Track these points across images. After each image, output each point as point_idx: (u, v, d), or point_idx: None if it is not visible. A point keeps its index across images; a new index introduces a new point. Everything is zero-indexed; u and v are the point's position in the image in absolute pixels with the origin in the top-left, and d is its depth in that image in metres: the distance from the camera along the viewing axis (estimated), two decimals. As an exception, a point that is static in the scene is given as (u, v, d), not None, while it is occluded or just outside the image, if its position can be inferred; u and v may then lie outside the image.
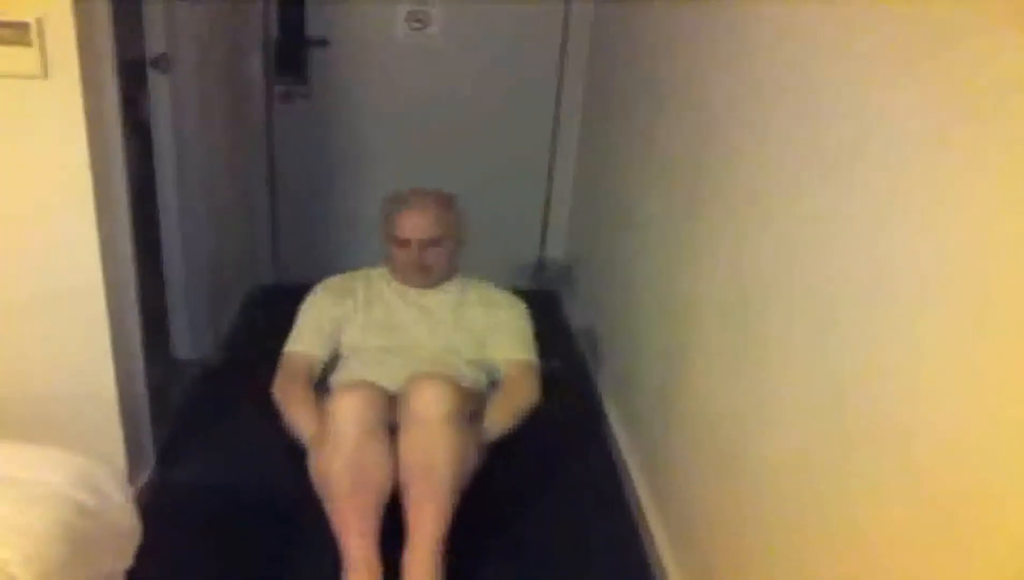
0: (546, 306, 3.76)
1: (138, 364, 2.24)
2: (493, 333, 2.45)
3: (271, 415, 2.36)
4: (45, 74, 1.75)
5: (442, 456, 1.99)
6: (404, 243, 2.41)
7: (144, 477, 2.27)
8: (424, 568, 1.94)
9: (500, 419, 2.23)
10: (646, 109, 2.65)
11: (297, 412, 2.21)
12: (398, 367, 2.28)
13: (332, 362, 2.43)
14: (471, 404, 2.18)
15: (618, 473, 2.58)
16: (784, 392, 1.54)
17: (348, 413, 2.04)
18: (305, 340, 2.42)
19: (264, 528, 2.23)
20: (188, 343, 3.03)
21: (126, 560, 1.54)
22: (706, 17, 2.11)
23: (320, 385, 2.37)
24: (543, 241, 3.98)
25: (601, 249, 3.22)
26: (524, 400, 2.30)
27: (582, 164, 3.68)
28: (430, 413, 2.03)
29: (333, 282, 2.57)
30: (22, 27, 1.70)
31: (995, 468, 0.98)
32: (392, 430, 2.08)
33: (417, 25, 3.56)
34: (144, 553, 1.58)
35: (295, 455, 2.25)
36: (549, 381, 2.45)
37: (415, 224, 2.39)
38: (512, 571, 2.18)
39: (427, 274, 2.46)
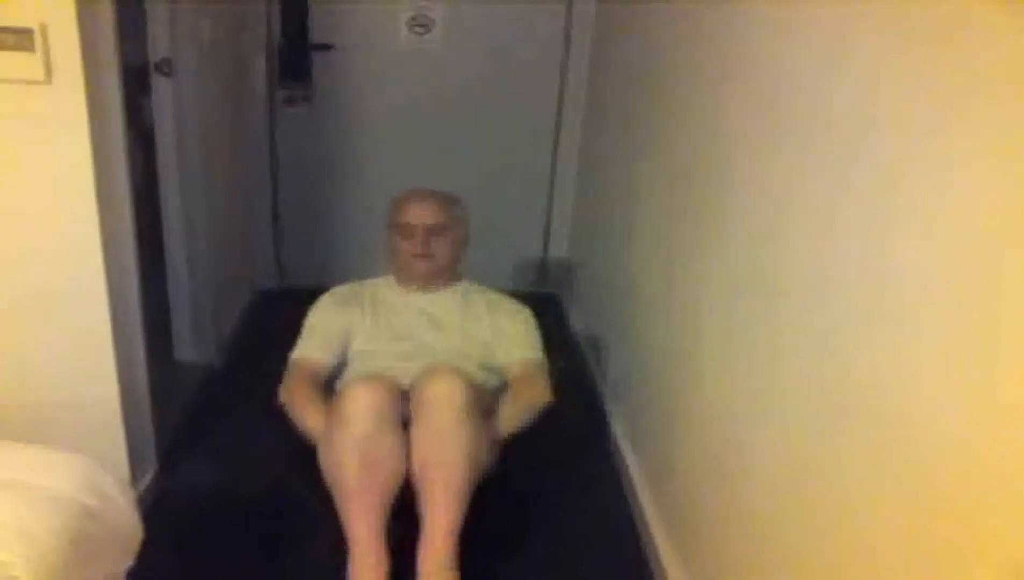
0: (548, 308, 3.77)
1: (141, 367, 2.25)
2: (500, 337, 2.46)
3: (273, 418, 2.36)
4: (49, 79, 1.76)
5: (456, 447, 1.99)
6: (408, 230, 2.44)
7: (146, 480, 2.28)
8: (439, 560, 1.93)
9: (513, 415, 2.24)
10: (647, 110, 2.65)
11: (305, 410, 2.21)
12: (408, 370, 2.27)
13: (339, 369, 2.43)
14: (483, 400, 2.19)
15: (619, 474, 2.58)
16: (784, 393, 1.54)
17: (360, 403, 2.04)
18: (312, 346, 2.41)
19: (265, 531, 2.23)
20: (190, 346, 3.04)
21: (127, 561, 1.54)
22: (706, 15, 2.12)
23: (327, 389, 2.36)
24: (545, 243, 3.99)
25: (603, 251, 3.23)
26: (535, 397, 2.32)
27: (584, 166, 3.69)
28: (443, 403, 2.03)
29: (339, 291, 2.58)
30: (26, 33, 1.71)
31: (996, 469, 0.98)
32: (404, 424, 2.08)
33: (420, 30, 3.58)
34: (145, 554, 1.59)
35: (297, 458, 2.26)
36: (555, 382, 2.46)
37: (419, 211, 2.45)
38: (514, 571, 2.18)
39: (431, 263, 2.47)
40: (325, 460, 2.06)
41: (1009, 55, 0.98)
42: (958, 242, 1.05)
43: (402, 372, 2.26)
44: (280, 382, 2.33)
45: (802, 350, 1.47)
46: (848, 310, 1.31)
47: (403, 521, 2.00)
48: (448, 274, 2.55)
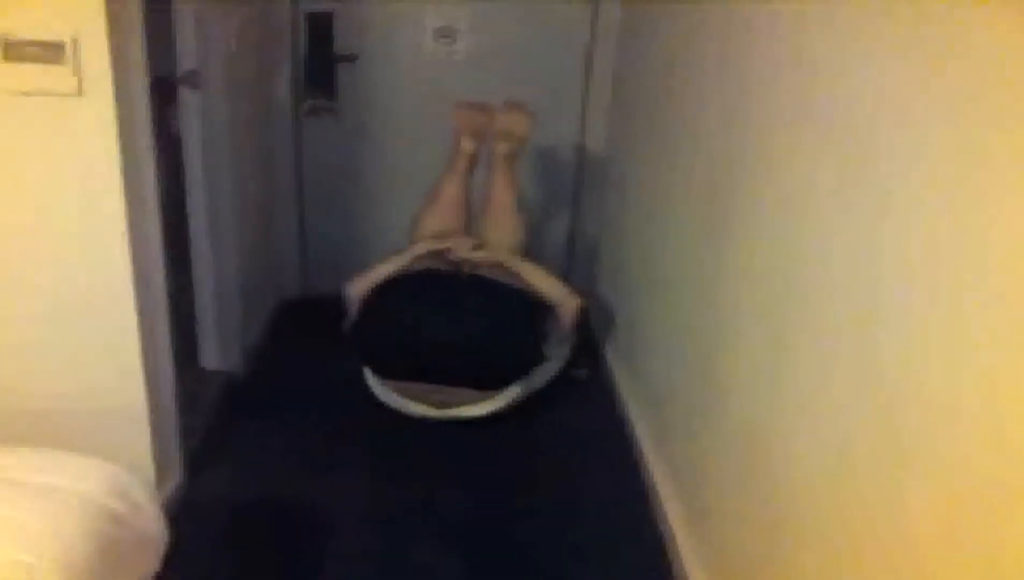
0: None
1: (167, 374, 2.28)
2: None
3: (297, 426, 2.38)
4: (80, 92, 1.79)
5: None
6: None
7: (171, 485, 2.30)
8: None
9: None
10: (674, 116, 2.65)
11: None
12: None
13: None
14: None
15: (644, 479, 2.58)
16: (822, 391, 1.52)
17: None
18: None
19: (289, 538, 2.25)
20: (216, 354, 3.07)
21: (153, 567, 1.56)
22: (732, 17, 2.12)
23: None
24: (570, 253, 3.99)
25: (631, 258, 3.23)
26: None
27: (611, 174, 3.69)
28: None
29: None
30: (57, 47, 1.74)
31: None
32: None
33: (445, 41, 3.60)
34: (170, 561, 1.61)
35: (321, 465, 2.27)
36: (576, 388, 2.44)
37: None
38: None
39: None
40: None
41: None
42: (1004, 234, 1.04)
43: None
44: (305, 391, 2.35)
45: (850, 351, 1.44)
46: (892, 302, 1.29)
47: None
48: None
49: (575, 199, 3.91)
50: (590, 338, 3.40)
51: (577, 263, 3.98)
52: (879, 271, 1.35)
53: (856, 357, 1.42)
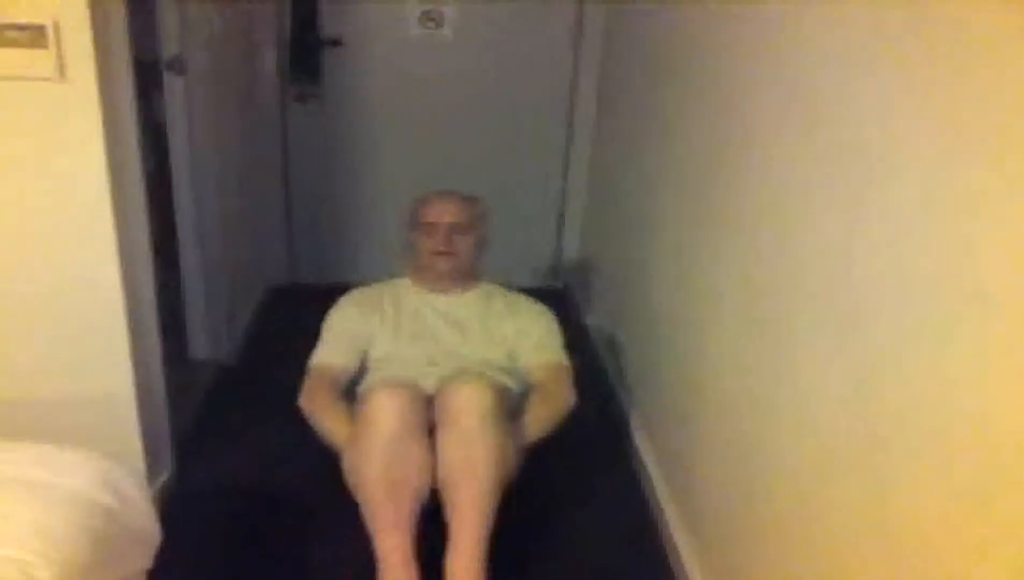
0: (560, 303, 3.75)
1: (156, 365, 2.25)
2: (522, 340, 2.44)
3: (288, 416, 2.36)
4: (62, 76, 1.75)
5: (483, 455, 1.97)
6: (431, 228, 2.42)
7: (162, 478, 2.27)
8: (470, 570, 1.89)
9: (538, 421, 2.22)
10: (660, 108, 2.63)
11: (327, 418, 2.19)
12: (431, 375, 2.27)
13: (359, 375, 2.39)
14: (508, 405, 2.16)
15: (637, 471, 2.56)
16: (805, 388, 1.52)
17: (385, 410, 2.01)
18: (332, 351, 2.38)
19: (282, 528, 2.23)
20: (205, 344, 3.03)
21: (146, 561, 1.54)
22: (722, 17, 2.10)
23: (348, 396, 2.33)
24: (559, 238, 3.97)
25: (616, 246, 3.21)
26: (560, 403, 2.30)
27: (596, 163, 3.67)
28: (470, 411, 2.01)
29: (357, 294, 2.54)
30: (39, 30, 1.70)
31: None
32: (429, 431, 2.06)
33: (431, 25, 3.56)
34: (163, 554, 1.58)
35: (313, 455, 2.26)
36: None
37: (441, 208, 2.43)
38: (531, 573, 2.16)
39: (454, 261, 2.45)
40: (349, 470, 2.04)
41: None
42: (987, 236, 1.03)
43: (424, 378, 2.26)
44: (295, 380, 2.31)
45: (825, 341, 1.45)
46: (874, 301, 1.29)
47: (433, 527, 1.98)
48: (468, 275, 2.53)
49: (563, 187, 3.89)
50: (579, 329, 3.38)
51: (566, 251, 3.97)
52: (856, 264, 1.35)
53: (834, 356, 1.42)
